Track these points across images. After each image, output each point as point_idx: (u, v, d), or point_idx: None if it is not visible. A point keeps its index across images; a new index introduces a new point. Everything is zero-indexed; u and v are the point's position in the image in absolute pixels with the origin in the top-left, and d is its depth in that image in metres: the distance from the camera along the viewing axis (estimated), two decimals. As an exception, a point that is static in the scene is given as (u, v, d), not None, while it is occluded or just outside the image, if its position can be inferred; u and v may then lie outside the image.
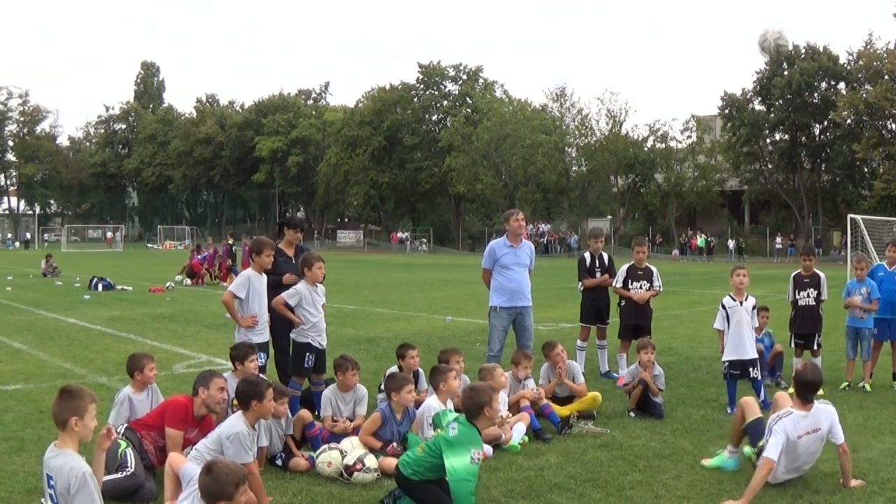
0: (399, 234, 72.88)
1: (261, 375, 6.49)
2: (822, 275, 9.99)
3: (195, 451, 5.60)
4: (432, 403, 6.72)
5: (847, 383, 9.69)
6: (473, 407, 5.54)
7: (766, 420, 6.38)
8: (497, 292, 9.09)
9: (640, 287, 10.22)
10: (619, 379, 9.66)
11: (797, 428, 5.95)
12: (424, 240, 70.14)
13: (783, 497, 5.79)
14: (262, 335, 7.64)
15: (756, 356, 8.60)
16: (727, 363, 8.50)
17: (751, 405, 6.62)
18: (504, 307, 9.04)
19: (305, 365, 7.62)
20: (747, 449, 6.56)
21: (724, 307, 8.63)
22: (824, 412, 6.09)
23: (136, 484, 5.69)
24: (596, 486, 6.01)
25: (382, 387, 7.76)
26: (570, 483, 6.05)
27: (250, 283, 7.52)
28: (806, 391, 6.06)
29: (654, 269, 10.43)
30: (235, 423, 5.59)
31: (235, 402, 6.51)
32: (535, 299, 9.63)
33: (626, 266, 10.36)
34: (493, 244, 9.30)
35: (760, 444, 6.21)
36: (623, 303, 10.35)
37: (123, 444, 5.93)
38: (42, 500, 5.43)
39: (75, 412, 4.43)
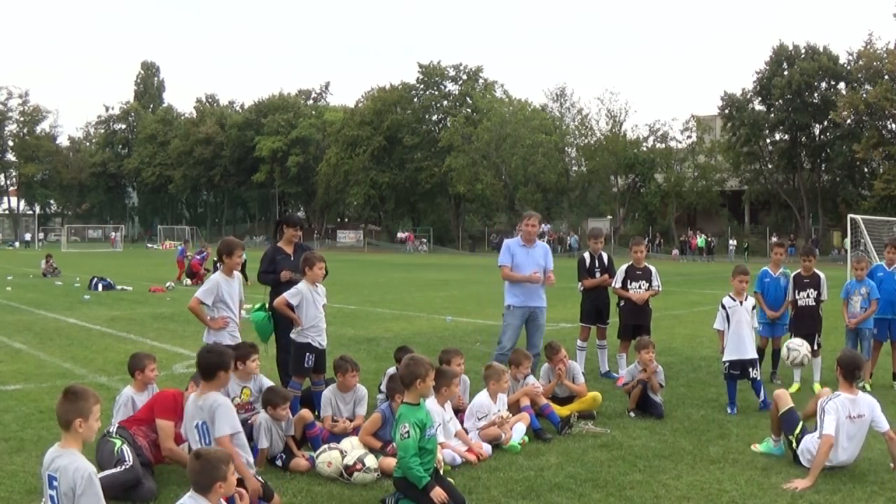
0: (401, 234, 72.84)
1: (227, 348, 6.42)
2: (821, 275, 9.99)
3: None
4: (434, 407, 6.68)
5: None
6: (408, 376, 5.58)
7: (797, 410, 6.79)
8: (511, 291, 9.16)
9: (640, 287, 10.22)
10: (618, 379, 9.67)
11: (846, 409, 6.28)
12: (424, 239, 70.08)
13: (784, 497, 5.79)
14: (236, 338, 7.48)
15: (756, 356, 8.61)
16: (727, 363, 8.50)
17: (782, 397, 6.86)
18: (517, 306, 9.10)
19: (305, 365, 7.60)
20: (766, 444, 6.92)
21: (724, 307, 8.63)
22: (867, 400, 6.42)
23: (135, 477, 5.68)
24: (596, 486, 6.01)
25: (383, 387, 7.75)
26: (570, 483, 6.06)
27: (219, 289, 7.39)
28: (851, 371, 6.41)
29: (652, 268, 10.43)
30: (209, 399, 5.51)
31: (236, 401, 6.52)
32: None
33: (624, 266, 10.37)
34: (508, 242, 9.40)
35: (796, 432, 6.55)
36: (622, 303, 10.35)
37: (118, 441, 5.94)
38: (42, 500, 5.44)
39: (80, 413, 4.38)
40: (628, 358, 10.05)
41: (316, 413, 7.39)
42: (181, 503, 4.52)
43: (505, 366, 7.86)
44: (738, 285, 8.64)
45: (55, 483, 4.34)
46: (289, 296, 7.56)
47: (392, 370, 7.68)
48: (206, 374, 5.64)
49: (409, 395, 5.62)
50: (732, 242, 55.45)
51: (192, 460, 4.58)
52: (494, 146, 65.20)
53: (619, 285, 10.31)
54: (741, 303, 8.59)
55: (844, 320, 9.98)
